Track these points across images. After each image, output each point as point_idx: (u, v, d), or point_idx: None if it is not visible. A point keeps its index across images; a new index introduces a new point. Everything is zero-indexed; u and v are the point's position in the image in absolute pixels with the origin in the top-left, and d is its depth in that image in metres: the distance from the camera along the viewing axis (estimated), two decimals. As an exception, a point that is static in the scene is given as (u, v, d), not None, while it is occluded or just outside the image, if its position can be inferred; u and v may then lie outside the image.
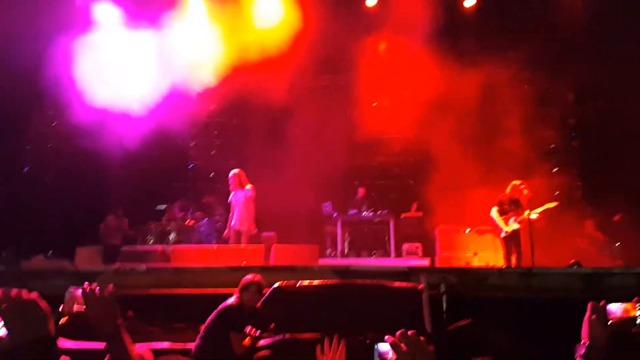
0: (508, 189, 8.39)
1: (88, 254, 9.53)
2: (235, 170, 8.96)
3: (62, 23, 9.56)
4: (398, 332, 1.47)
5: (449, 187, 10.08)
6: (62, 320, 4.80)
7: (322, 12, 10.45)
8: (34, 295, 1.65)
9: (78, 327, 4.77)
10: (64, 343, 3.93)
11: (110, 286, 1.85)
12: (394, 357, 1.49)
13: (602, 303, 1.87)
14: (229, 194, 9.08)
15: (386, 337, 1.50)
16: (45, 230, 10.08)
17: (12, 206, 9.98)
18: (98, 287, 1.84)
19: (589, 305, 1.87)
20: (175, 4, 10.55)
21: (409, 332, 1.46)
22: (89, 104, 9.76)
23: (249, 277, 4.64)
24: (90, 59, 10.02)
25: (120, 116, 10.01)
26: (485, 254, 9.90)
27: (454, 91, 11.00)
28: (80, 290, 1.86)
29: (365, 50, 12.07)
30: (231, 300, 4.50)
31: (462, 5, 11.58)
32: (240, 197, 8.78)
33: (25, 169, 11.30)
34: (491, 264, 9.36)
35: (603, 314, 1.85)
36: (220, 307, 4.46)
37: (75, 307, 1.88)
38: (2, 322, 1.61)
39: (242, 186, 8.80)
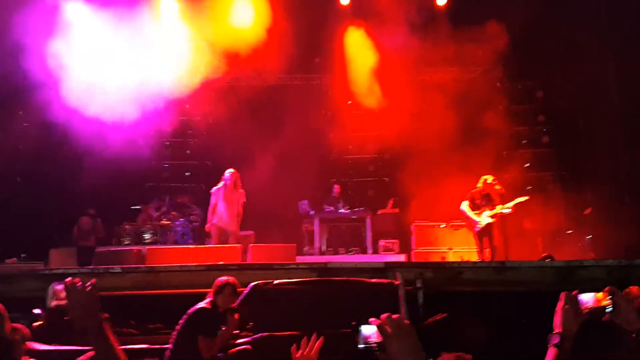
0: (479, 184, 8.52)
1: (62, 256, 9.36)
2: (233, 170, 8.95)
3: (33, 22, 9.34)
4: (383, 316, 1.51)
5: (424, 183, 10.19)
6: (36, 323, 4.73)
7: (294, 10, 10.44)
8: None
9: (53, 330, 4.70)
10: (34, 345, 3.88)
11: (93, 280, 1.83)
12: (379, 340, 1.53)
13: (574, 293, 1.92)
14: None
15: (370, 319, 1.54)
16: (18, 232, 9.86)
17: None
18: (80, 281, 1.82)
19: (562, 295, 1.92)
20: (147, 2, 10.41)
21: (394, 316, 1.50)
22: (61, 104, 9.57)
23: (223, 278, 4.51)
24: (62, 58, 9.83)
25: (93, 116, 9.84)
26: (460, 248, 10.05)
27: (428, 89, 11.13)
28: (62, 286, 1.84)
29: (339, 48, 12.12)
30: (203, 303, 4.38)
31: (435, 3, 11.69)
32: (231, 197, 8.79)
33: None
34: (466, 258, 9.50)
35: (575, 304, 1.90)
36: (190, 310, 4.34)
37: (54, 302, 1.86)
38: None
39: (235, 187, 8.82)
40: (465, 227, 9.22)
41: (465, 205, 8.51)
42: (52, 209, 10.55)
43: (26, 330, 3.55)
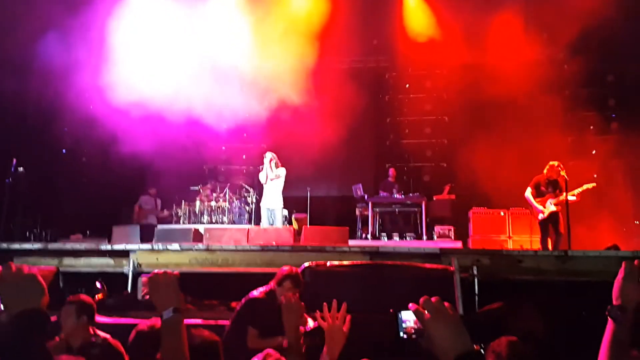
0: (545, 170, 8.19)
1: (124, 233, 9.72)
2: (272, 153, 9.21)
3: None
4: (421, 299, 1.38)
5: (483, 169, 9.89)
6: (98, 297, 4.94)
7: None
8: (34, 270, 1.66)
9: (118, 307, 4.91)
10: (99, 318, 4.06)
11: (177, 273, 1.86)
12: (418, 326, 1.41)
13: (636, 262, 1.78)
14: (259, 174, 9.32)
15: (410, 305, 1.41)
16: (83, 210, 10.31)
17: (53, 188, 10.27)
18: (163, 273, 1.85)
19: (623, 265, 1.79)
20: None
21: (432, 299, 1.37)
22: (123, 88, 9.92)
23: (285, 269, 4.35)
24: (124, 39, 10.23)
25: (154, 100, 10.14)
26: (520, 237, 9.73)
27: (484, 71, 10.74)
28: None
29: (398, 31, 11.92)
30: (258, 291, 4.32)
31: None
32: (274, 177, 9.07)
33: (64, 151, 11.56)
34: (526, 247, 9.19)
35: (637, 274, 1.76)
36: (247, 297, 4.31)
37: (144, 294, 1.93)
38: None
39: (276, 166, 9.12)
40: (528, 214, 8.91)
41: (528, 193, 8.21)
42: (115, 188, 10.97)
43: (90, 301, 3.71)
